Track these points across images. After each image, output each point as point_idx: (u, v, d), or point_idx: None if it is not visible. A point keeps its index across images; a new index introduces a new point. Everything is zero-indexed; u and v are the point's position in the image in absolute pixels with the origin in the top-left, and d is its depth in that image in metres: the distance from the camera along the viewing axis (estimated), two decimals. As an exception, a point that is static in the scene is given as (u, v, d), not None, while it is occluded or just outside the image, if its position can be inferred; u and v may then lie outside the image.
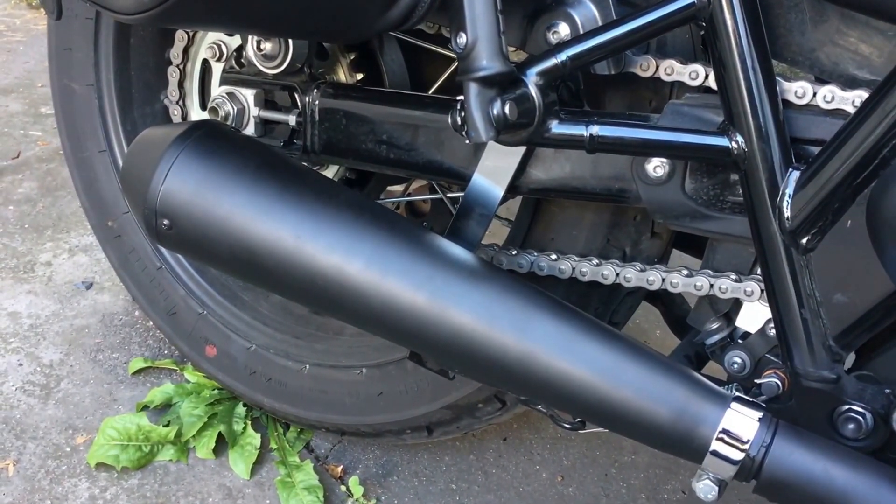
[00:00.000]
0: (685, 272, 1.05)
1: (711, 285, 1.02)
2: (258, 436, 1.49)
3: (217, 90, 1.34)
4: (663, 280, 1.06)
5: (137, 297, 1.57)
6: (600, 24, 0.95)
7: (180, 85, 1.43)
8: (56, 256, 1.97)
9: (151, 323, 1.68)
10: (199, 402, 1.54)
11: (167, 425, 1.49)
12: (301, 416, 1.46)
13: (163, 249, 1.52)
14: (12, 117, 2.67)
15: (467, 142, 0.91)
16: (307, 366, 1.42)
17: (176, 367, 1.64)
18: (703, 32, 0.90)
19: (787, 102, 0.90)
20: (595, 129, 0.92)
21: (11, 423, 1.49)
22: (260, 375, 1.46)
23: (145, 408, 1.54)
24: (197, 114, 1.45)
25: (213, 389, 1.57)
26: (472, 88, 0.88)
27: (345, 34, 1.05)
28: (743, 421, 0.88)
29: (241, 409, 1.54)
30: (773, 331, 0.96)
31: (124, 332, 1.75)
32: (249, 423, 1.53)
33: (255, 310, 1.51)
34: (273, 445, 1.50)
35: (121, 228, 1.55)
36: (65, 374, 1.62)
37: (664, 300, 1.25)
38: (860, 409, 0.89)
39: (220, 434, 1.48)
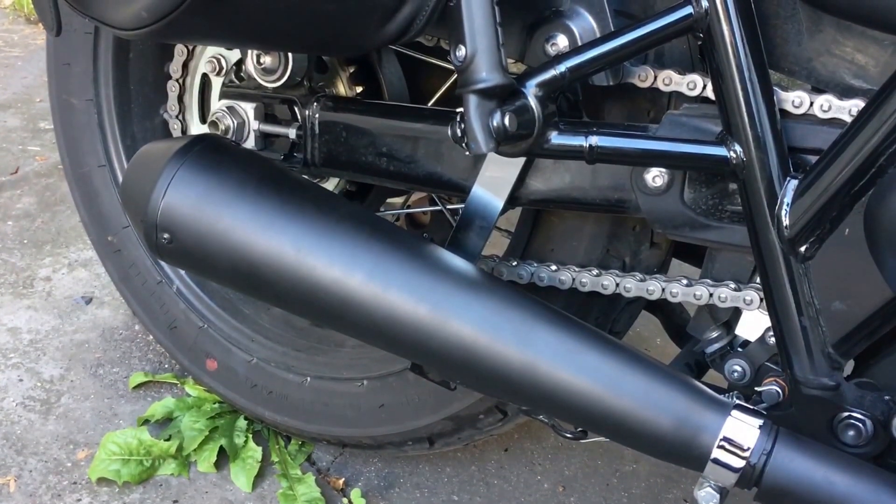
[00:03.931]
0: (685, 281, 1.05)
1: (711, 294, 1.02)
2: (259, 449, 1.49)
3: (217, 104, 1.35)
4: (663, 290, 1.06)
5: (138, 311, 1.58)
6: (598, 35, 0.96)
7: (180, 99, 1.44)
8: (55, 271, 1.97)
9: (152, 337, 1.68)
10: (200, 416, 1.54)
11: (168, 439, 1.49)
12: (302, 429, 1.46)
13: (163, 264, 1.52)
14: (10, 132, 2.67)
15: (467, 153, 0.91)
16: (308, 378, 1.42)
17: (177, 381, 1.64)
18: (700, 43, 0.91)
19: (784, 112, 0.91)
20: (594, 140, 0.92)
21: (12, 438, 1.49)
22: (261, 388, 1.47)
23: (146, 422, 1.54)
24: (197, 128, 1.45)
25: (214, 403, 1.57)
26: (472, 100, 0.89)
27: (344, 48, 1.06)
28: (744, 429, 0.88)
29: (242, 423, 1.54)
30: (773, 339, 0.97)
31: (124, 347, 1.75)
32: (251, 436, 1.53)
33: (255, 323, 1.52)
34: (274, 458, 1.50)
35: (121, 243, 1.55)
36: (65, 390, 1.62)
37: (664, 309, 1.26)
38: (860, 416, 0.90)
39: (221, 448, 1.48)
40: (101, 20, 0.83)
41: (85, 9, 0.84)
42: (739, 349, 1.02)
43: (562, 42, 0.98)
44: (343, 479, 1.49)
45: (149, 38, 0.94)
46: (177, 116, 1.45)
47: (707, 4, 0.87)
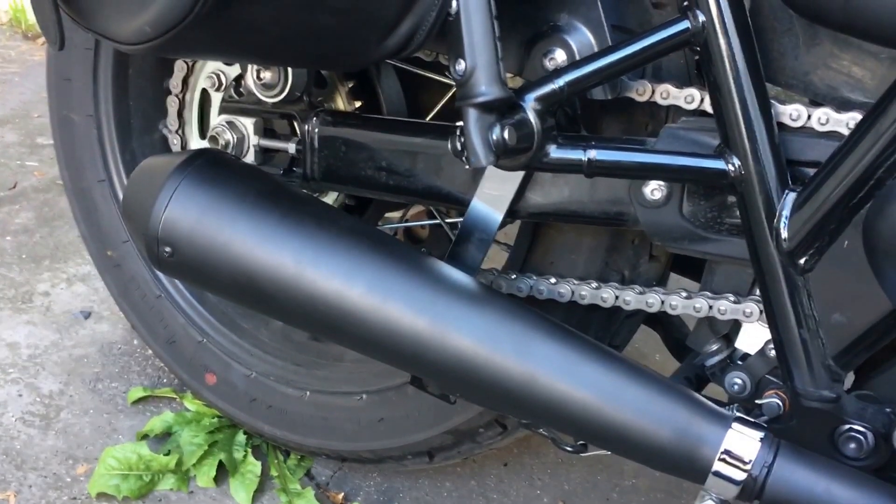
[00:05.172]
0: (684, 294, 1.05)
1: (710, 307, 1.02)
2: (259, 463, 1.49)
3: (216, 119, 1.35)
4: (662, 302, 1.06)
5: (137, 325, 1.58)
6: (596, 50, 0.97)
7: (179, 114, 1.44)
8: (54, 286, 1.97)
9: (150, 351, 1.68)
10: (199, 431, 1.53)
11: (168, 454, 1.49)
12: (302, 443, 1.46)
13: (162, 278, 1.52)
14: (8, 148, 2.67)
15: (467, 167, 0.92)
16: (307, 392, 1.42)
17: (175, 396, 1.64)
18: (697, 57, 0.91)
19: (782, 125, 0.91)
20: (593, 154, 0.93)
21: (12, 453, 1.48)
22: (260, 403, 1.46)
23: (145, 437, 1.54)
24: (196, 143, 1.45)
25: (213, 417, 1.57)
26: (472, 114, 0.89)
27: (344, 62, 1.06)
28: (745, 441, 0.88)
29: (241, 437, 1.54)
30: (773, 351, 0.97)
31: (123, 361, 1.75)
32: (250, 450, 1.52)
33: (254, 337, 1.51)
34: (274, 473, 1.50)
35: (120, 257, 1.55)
36: (64, 404, 1.61)
37: (663, 323, 1.26)
38: (861, 429, 0.90)
39: (220, 462, 1.48)
40: (105, 35, 0.83)
41: (88, 23, 0.84)
42: (739, 362, 1.02)
43: (560, 56, 0.98)
44: (342, 494, 1.49)
45: (151, 53, 0.94)
46: (176, 132, 1.46)
47: (704, 18, 0.88)
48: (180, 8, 0.76)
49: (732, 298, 1.01)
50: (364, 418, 1.37)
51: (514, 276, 1.15)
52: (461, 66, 0.89)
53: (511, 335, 0.95)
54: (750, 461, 0.87)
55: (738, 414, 0.92)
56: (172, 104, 1.44)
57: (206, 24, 0.78)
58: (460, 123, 0.91)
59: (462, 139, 0.91)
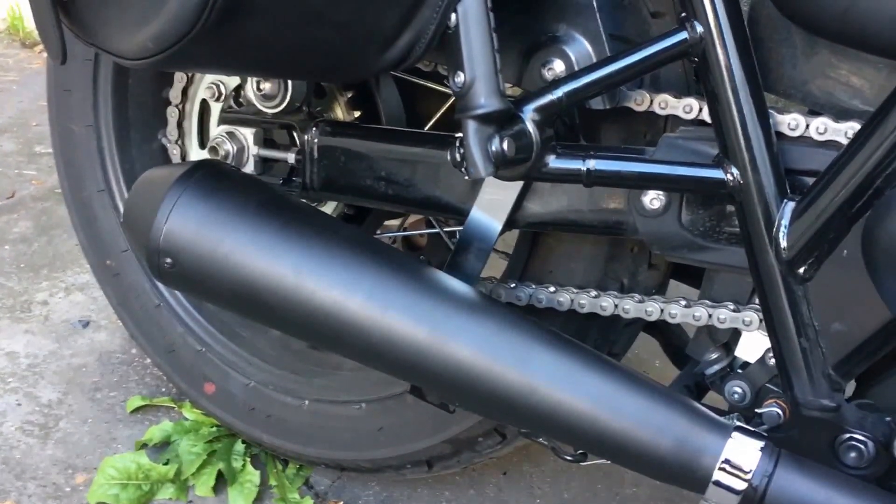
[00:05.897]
0: (683, 302, 1.05)
1: (710, 315, 1.02)
2: (257, 472, 1.48)
3: (216, 129, 1.35)
4: (661, 311, 1.06)
5: (136, 334, 1.57)
6: (594, 60, 0.97)
7: (179, 125, 1.44)
8: (52, 295, 1.97)
9: (149, 361, 1.68)
10: (197, 440, 1.53)
11: (166, 463, 1.49)
12: (300, 453, 1.46)
13: (161, 287, 1.52)
14: (6, 157, 2.67)
15: (466, 178, 0.92)
16: (306, 401, 1.42)
17: (174, 405, 1.64)
18: (695, 67, 0.92)
19: (780, 134, 0.92)
20: (592, 164, 0.93)
21: (11, 463, 1.48)
22: (259, 412, 1.46)
23: (144, 446, 1.53)
24: (196, 153, 1.46)
25: (212, 427, 1.57)
26: (471, 126, 0.90)
27: (343, 75, 1.07)
28: (745, 450, 0.88)
29: (240, 446, 1.54)
30: (773, 360, 0.97)
31: (122, 371, 1.74)
32: (248, 459, 1.52)
33: (253, 346, 1.51)
34: (272, 482, 1.50)
35: (119, 267, 1.55)
36: (63, 414, 1.61)
37: (663, 331, 1.26)
38: (861, 438, 0.90)
39: (219, 471, 1.48)
40: (107, 50, 0.84)
41: (91, 38, 0.85)
42: (739, 370, 1.03)
43: (558, 67, 0.98)
44: (341, 503, 1.49)
45: (153, 68, 0.94)
46: (176, 142, 1.46)
47: (702, 29, 0.88)
48: (183, 23, 0.76)
49: (732, 307, 1.02)
50: (363, 427, 1.37)
51: (513, 285, 1.15)
52: (460, 78, 0.89)
53: (510, 344, 0.95)
54: (750, 470, 0.87)
55: (739, 423, 0.92)
56: (172, 114, 1.44)
57: (209, 40, 0.78)
58: (459, 135, 0.91)
59: (461, 150, 0.91)
